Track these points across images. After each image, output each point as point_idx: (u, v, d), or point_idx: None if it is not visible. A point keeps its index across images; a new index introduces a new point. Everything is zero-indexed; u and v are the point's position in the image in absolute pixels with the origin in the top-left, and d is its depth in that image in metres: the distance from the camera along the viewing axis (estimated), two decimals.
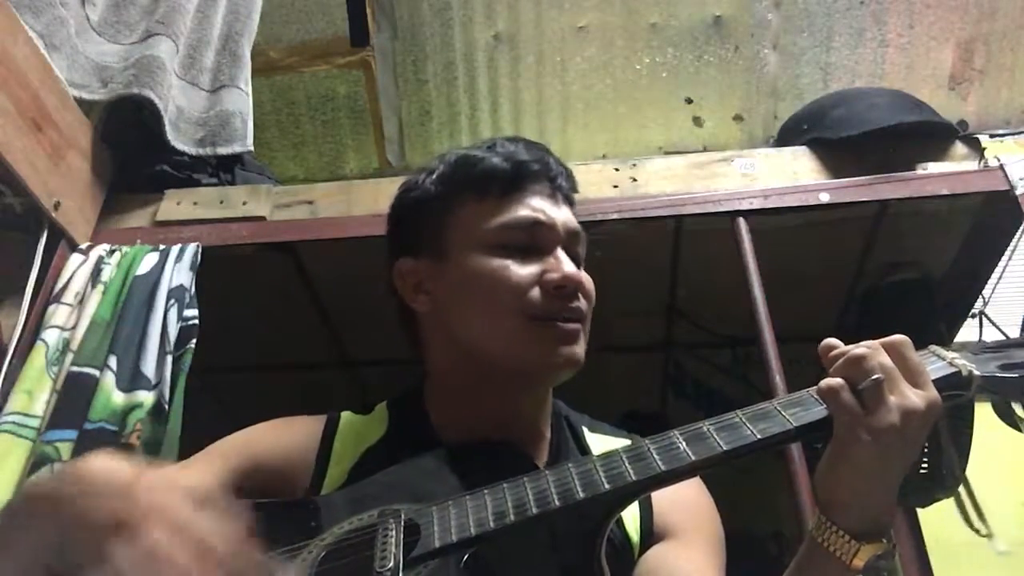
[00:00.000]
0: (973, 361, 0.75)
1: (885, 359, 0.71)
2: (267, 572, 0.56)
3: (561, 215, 0.94)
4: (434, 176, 0.98)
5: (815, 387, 0.75)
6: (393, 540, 0.68)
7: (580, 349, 0.89)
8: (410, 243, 0.97)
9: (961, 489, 0.77)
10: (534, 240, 0.91)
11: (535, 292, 0.88)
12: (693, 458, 0.71)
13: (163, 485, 0.55)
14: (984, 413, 0.81)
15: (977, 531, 0.78)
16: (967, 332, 2.17)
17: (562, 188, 0.97)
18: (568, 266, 0.89)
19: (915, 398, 0.70)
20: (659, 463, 0.71)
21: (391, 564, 0.66)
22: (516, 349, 0.87)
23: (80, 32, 1.91)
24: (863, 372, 0.71)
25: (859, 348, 0.73)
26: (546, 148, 1.00)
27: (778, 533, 2.86)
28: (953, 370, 0.74)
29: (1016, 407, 0.78)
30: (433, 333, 0.96)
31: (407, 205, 1.00)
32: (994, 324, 2.08)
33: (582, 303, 0.90)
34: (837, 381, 0.71)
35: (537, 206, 0.92)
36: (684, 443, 0.72)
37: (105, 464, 0.56)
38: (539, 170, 0.95)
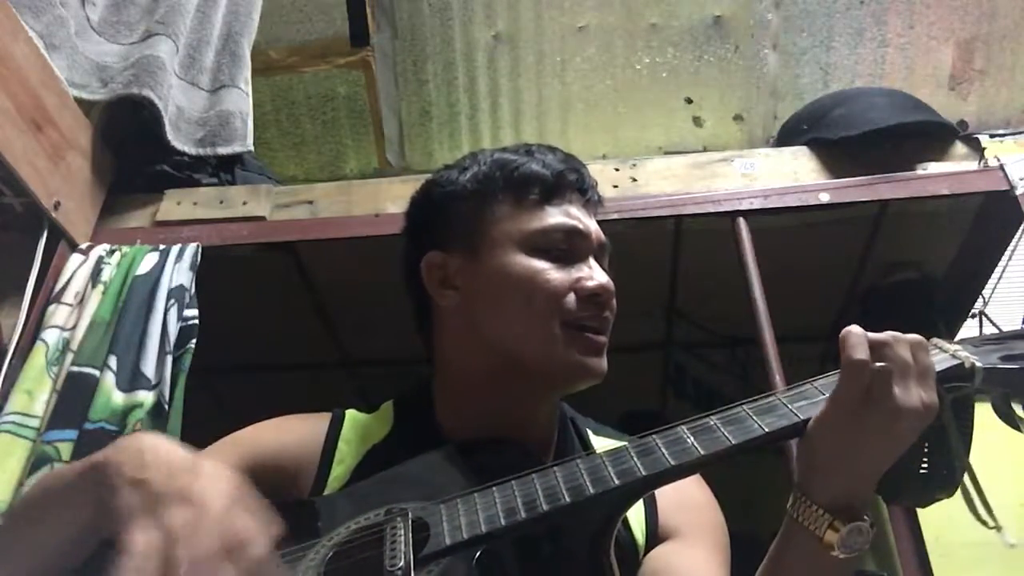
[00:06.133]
0: (975, 353, 0.76)
1: (904, 352, 0.72)
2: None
3: (594, 226, 0.96)
4: (468, 175, 0.98)
5: (820, 380, 0.76)
6: (402, 538, 0.68)
7: (605, 362, 0.90)
8: (440, 238, 0.97)
9: (968, 483, 0.78)
10: (570, 247, 0.93)
11: (571, 298, 0.89)
12: (702, 452, 0.71)
13: (219, 477, 0.63)
14: (984, 413, 0.81)
15: (985, 523, 0.78)
16: (967, 332, 2.17)
17: (593, 200, 0.99)
18: (602, 275, 0.92)
19: (917, 398, 0.71)
20: (668, 458, 0.71)
21: (401, 563, 0.66)
22: (546, 352, 0.88)
23: (80, 32, 1.90)
24: (881, 357, 0.71)
25: (884, 335, 0.73)
26: (578, 159, 1.02)
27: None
28: (956, 362, 0.75)
29: (1016, 407, 0.79)
30: (453, 329, 0.96)
31: (438, 200, 1.00)
32: (994, 324, 2.09)
33: (609, 313, 0.92)
34: (867, 355, 0.71)
35: (574, 214, 0.94)
36: (692, 437, 0.72)
37: (167, 444, 0.66)
38: (574, 180, 0.97)
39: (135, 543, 0.55)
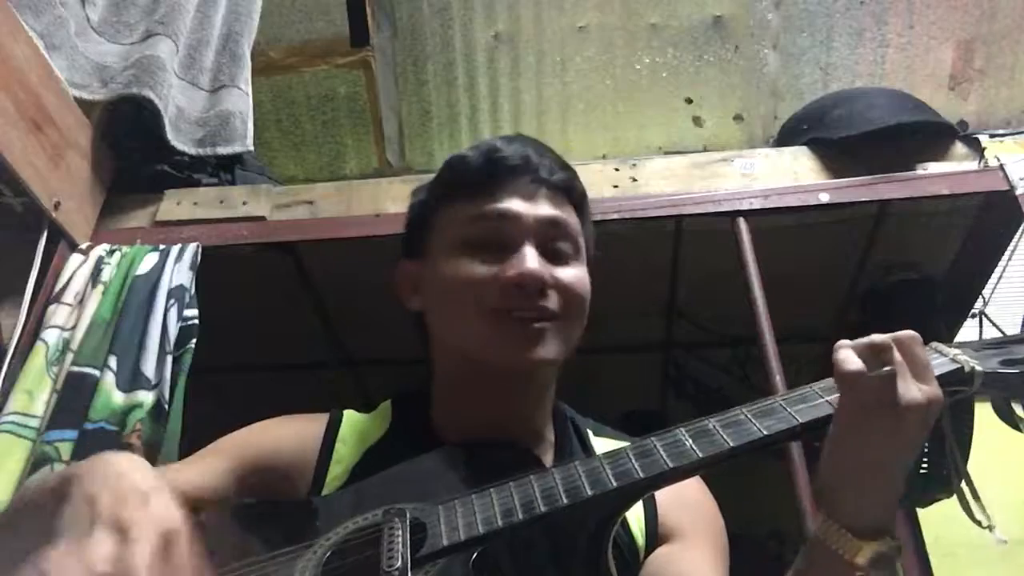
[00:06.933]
0: (975, 357, 0.75)
1: (901, 352, 0.71)
2: None
3: (535, 209, 0.91)
4: (433, 181, 1.00)
5: (820, 383, 0.75)
6: (400, 539, 0.68)
7: (545, 349, 0.86)
8: (408, 246, 1.00)
9: (964, 486, 0.77)
10: (499, 236, 0.89)
11: (493, 289, 0.86)
12: (700, 455, 0.70)
13: (167, 510, 0.60)
14: (984, 413, 0.80)
15: (978, 522, 0.78)
16: (967, 332, 2.17)
17: (546, 182, 0.93)
18: (530, 263, 0.86)
19: (918, 393, 0.69)
20: (666, 460, 0.71)
21: (399, 563, 0.65)
22: (478, 347, 0.87)
23: (80, 32, 1.90)
24: (878, 361, 0.70)
25: (876, 338, 0.72)
26: (534, 142, 0.97)
27: (778, 533, 2.87)
28: (955, 366, 0.74)
29: (1016, 407, 0.78)
30: (432, 333, 0.97)
31: (410, 209, 1.02)
32: (994, 324, 2.09)
33: (551, 301, 0.87)
34: (860, 364, 0.70)
35: (506, 201, 0.90)
36: (690, 440, 0.72)
37: (130, 465, 0.64)
38: (517, 165, 0.92)
39: (41, 558, 0.53)
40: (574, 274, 0.91)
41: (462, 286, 0.88)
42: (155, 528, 0.57)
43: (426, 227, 0.96)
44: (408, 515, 0.71)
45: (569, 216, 0.94)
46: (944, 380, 0.72)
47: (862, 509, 0.71)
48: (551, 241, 0.91)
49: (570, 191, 0.96)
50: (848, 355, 0.71)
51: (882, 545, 0.70)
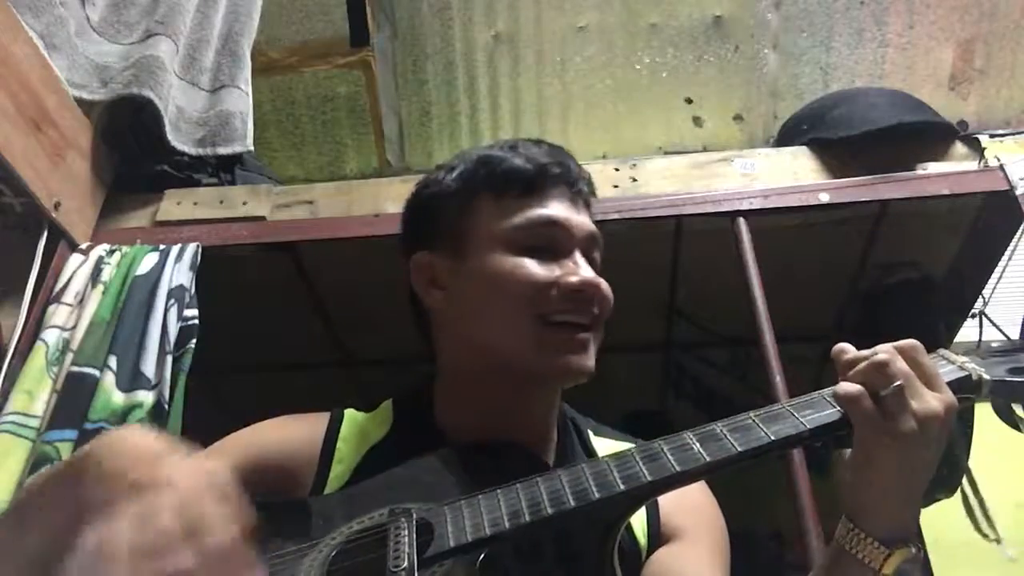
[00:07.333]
0: (982, 365, 0.75)
1: (903, 364, 0.71)
2: (252, 568, 0.56)
3: (580, 219, 0.93)
4: (454, 173, 0.97)
5: (828, 389, 0.74)
6: (406, 539, 0.68)
7: (589, 359, 0.88)
8: (427, 238, 0.97)
9: (970, 494, 0.77)
10: (552, 242, 0.90)
11: (551, 294, 0.87)
12: (708, 459, 0.70)
13: (188, 464, 0.60)
14: (984, 413, 0.80)
15: (986, 536, 0.78)
16: (967, 332, 2.17)
17: (582, 192, 0.96)
18: (587, 270, 0.89)
19: (934, 402, 0.70)
20: (673, 463, 0.70)
21: (405, 564, 0.65)
22: (525, 351, 0.87)
23: (80, 32, 1.91)
24: (885, 379, 0.70)
25: (879, 355, 0.72)
26: (567, 152, 0.99)
27: (778, 533, 2.87)
28: (963, 374, 0.74)
29: (1016, 407, 0.78)
30: (445, 330, 0.96)
31: (425, 200, 1.00)
32: (994, 324, 2.09)
33: (598, 309, 0.89)
34: (856, 388, 0.71)
35: (556, 208, 0.92)
36: (698, 444, 0.71)
37: (138, 434, 0.62)
38: (560, 173, 0.94)
39: (87, 541, 0.53)
40: (606, 284, 0.92)
41: (516, 286, 0.87)
42: (185, 476, 0.58)
43: (458, 222, 0.94)
44: (414, 515, 0.71)
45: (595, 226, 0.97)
46: (952, 388, 0.72)
47: (889, 520, 0.71)
48: (589, 251, 0.93)
49: (592, 201, 0.99)
50: (846, 387, 0.72)
51: (908, 553, 0.70)
